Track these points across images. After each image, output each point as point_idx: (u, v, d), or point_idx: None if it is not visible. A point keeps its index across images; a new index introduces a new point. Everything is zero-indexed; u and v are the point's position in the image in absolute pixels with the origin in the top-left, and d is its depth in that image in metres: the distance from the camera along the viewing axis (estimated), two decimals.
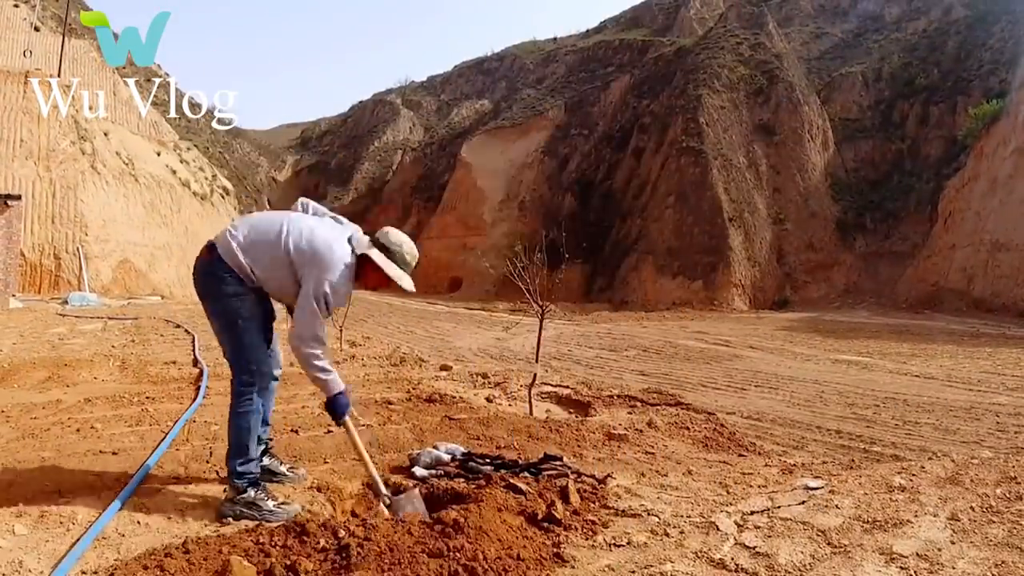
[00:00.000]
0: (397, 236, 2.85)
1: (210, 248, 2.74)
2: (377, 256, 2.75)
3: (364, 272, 2.80)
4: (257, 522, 2.54)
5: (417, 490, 2.80)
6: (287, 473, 3.05)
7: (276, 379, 3.08)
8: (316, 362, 2.64)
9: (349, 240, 2.78)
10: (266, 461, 2.99)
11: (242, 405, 2.73)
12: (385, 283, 2.84)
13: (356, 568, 2.07)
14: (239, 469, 2.69)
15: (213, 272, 2.70)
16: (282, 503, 2.71)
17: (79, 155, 21.79)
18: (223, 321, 2.75)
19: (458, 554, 2.15)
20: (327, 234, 2.73)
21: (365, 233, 2.90)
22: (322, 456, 3.53)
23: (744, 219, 29.92)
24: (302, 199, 3.06)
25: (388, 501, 2.66)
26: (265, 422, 3.00)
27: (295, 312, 2.69)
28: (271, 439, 3.09)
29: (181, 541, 2.30)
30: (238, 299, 2.69)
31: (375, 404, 4.96)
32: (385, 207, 51.36)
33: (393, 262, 2.78)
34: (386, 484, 2.83)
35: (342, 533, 2.27)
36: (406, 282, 2.82)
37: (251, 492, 2.66)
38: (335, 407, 2.70)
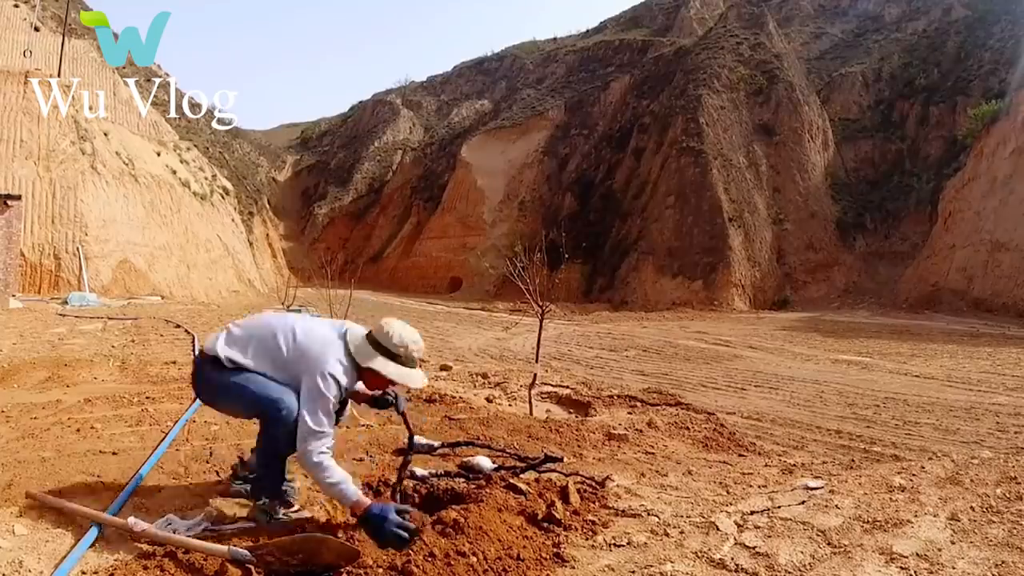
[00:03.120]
0: (400, 335, 2.57)
1: (201, 353, 2.69)
2: (383, 366, 2.53)
3: (367, 376, 2.61)
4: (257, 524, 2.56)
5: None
6: (282, 517, 2.92)
7: None
8: (314, 461, 2.40)
9: (344, 335, 2.60)
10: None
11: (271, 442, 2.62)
12: (388, 383, 2.65)
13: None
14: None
15: (209, 372, 2.62)
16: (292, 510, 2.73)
17: (79, 155, 21.79)
18: (227, 394, 2.61)
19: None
20: (319, 326, 2.64)
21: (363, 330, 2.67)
22: None
23: (744, 219, 29.92)
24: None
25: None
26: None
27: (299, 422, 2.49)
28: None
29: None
30: (230, 372, 2.57)
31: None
32: (385, 207, 51.36)
33: (400, 364, 2.56)
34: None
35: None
36: (418, 379, 2.62)
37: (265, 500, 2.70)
38: (364, 523, 2.34)
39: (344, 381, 2.50)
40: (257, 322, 2.76)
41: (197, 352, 2.67)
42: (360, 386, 2.72)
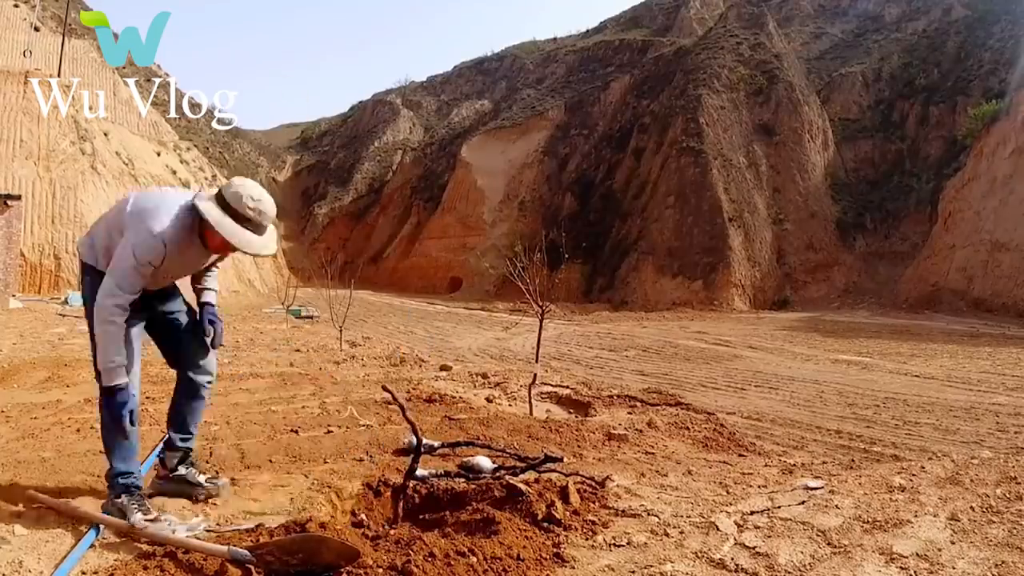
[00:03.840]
0: (238, 187, 2.40)
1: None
2: (208, 210, 2.31)
3: (206, 233, 2.41)
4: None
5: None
6: (204, 484, 2.76)
7: (205, 386, 2.80)
8: (106, 344, 2.31)
9: (195, 198, 2.40)
10: (182, 471, 2.75)
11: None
12: (225, 247, 2.44)
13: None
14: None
15: (81, 277, 2.56)
16: (150, 518, 2.40)
17: (79, 155, 21.80)
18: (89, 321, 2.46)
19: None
20: (161, 195, 2.48)
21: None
22: (322, 456, 3.53)
23: (744, 219, 29.92)
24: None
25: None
26: (186, 430, 2.77)
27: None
28: (192, 449, 2.82)
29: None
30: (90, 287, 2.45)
31: (375, 404, 4.96)
32: (385, 207, 51.37)
33: (235, 221, 2.35)
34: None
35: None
36: (252, 243, 2.39)
37: (123, 499, 2.45)
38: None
39: (164, 236, 2.31)
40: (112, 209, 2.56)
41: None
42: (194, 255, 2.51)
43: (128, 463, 2.51)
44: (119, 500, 2.45)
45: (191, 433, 2.82)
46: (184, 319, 2.76)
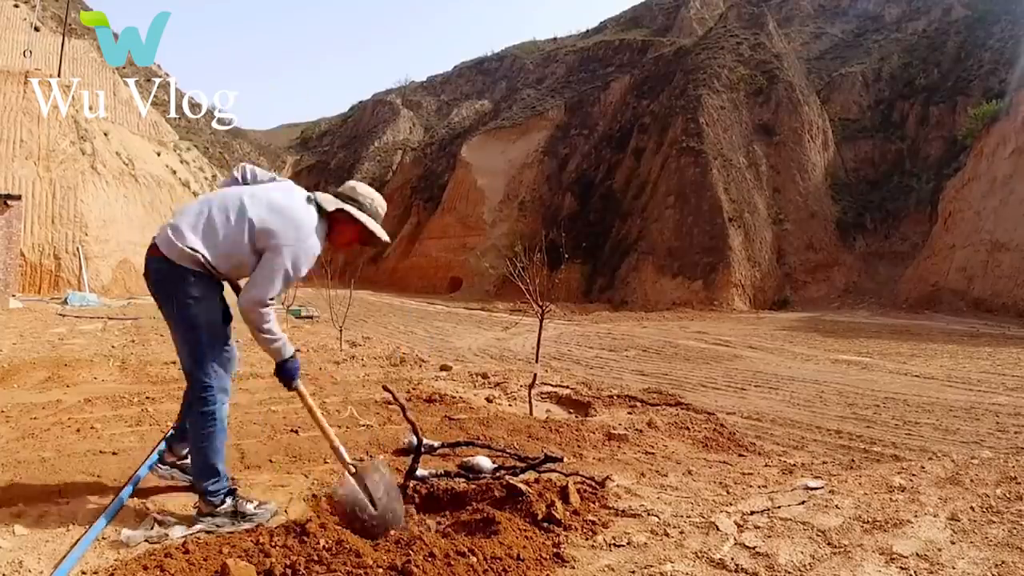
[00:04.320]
0: (365, 188, 2.75)
1: (154, 248, 2.50)
2: (354, 211, 2.65)
3: (335, 230, 2.68)
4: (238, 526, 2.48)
5: (382, 459, 2.68)
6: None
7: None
8: (266, 325, 2.45)
9: (308, 200, 2.61)
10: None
11: (208, 423, 2.53)
12: (358, 239, 2.74)
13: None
14: (211, 489, 2.54)
15: (165, 275, 2.49)
16: (259, 504, 2.63)
17: (79, 155, 21.79)
18: (183, 328, 2.54)
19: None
20: (290, 202, 2.56)
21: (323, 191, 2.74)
22: (322, 456, 3.53)
23: (744, 219, 29.92)
24: (243, 164, 2.85)
25: (353, 469, 2.56)
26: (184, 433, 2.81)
27: (253, 275, 2.46)
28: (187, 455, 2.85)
29: (181, 541, 2.30)
30: (197, 304, 2.48)
31: (375, 404, 4.96)
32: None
33: (367, 215, 2.68)
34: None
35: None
36: (383, 233, 2.75)
37: (229, 501, 2.56)
38: (284, 372, 2.54)
39: (319, 247, 2.57)
40: (204, 203, 2.57)
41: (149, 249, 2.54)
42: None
43: (225, 476, 2.63)
44: (226, 504, 2.55)
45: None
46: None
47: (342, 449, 2.64)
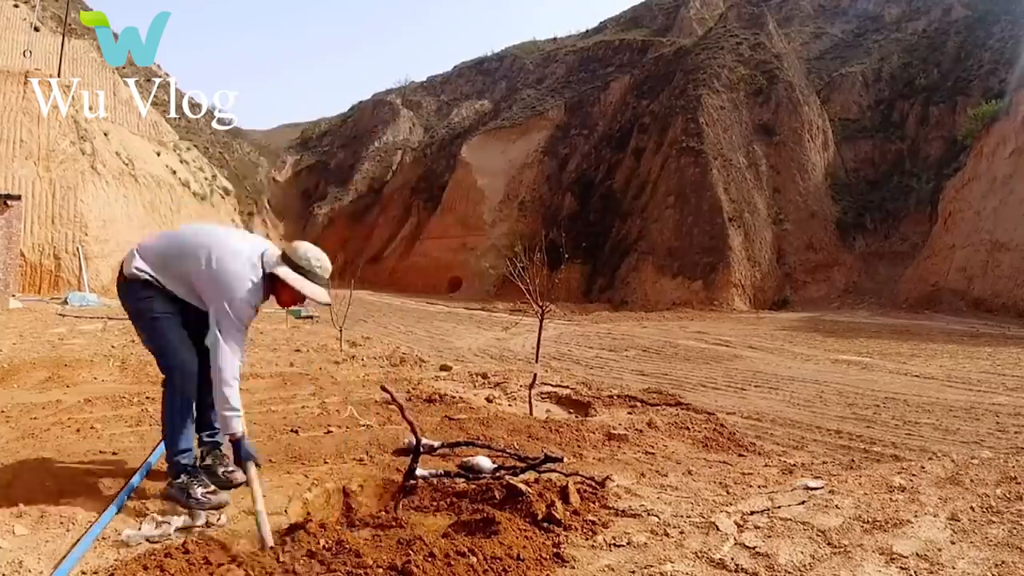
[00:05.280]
0: (304, 250, 2.87)
1: (120, 270, 2.88)
2: (286, 274, 2.78)
3: (276, 289, 2.85)
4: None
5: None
6: (221, 476, 2.98)
7: None
8: (230, 400, 2.68)
9: (262, 256, 2.82)
10: (209, 461, 3.02)
11: (167, 403, 2.83)
12: (298, 299, 2.89)
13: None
14: (172, 459, 2.81)
15: (127, 294, 2.87)
16: (209, 492, 2.77)
17: (79, 155, 21.79)
18: (141, 324, 2.87)
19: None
20: (233, 258, 2.78)
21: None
22: (322, 456, 3.53)
23: (744, 219, 29.92)
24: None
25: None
26: (211, 425, 3.06)
27: (210, 340, 2.72)
28: (220, 443, 3.08)
29: (181, 541, 2.30)
30: (148, 300, 2.80)
31: (375, 404, 4.96)
32: (385, 207, 51.34)
33: (304, 278, 2.80)
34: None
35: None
36: (321, 295, 2.83)
37: (183, 479, 2.75)
38: (238, 448, 2.72)
39: (254, 301, 2.76)
40: (171, 241, 2.95)
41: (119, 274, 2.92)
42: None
43: (189, 441, 2.89)
44: (179, 480, 2.75)
45: (217, 428, 3.03)
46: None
47: (267, 531, 2.42)
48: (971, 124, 29.39)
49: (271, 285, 2.82)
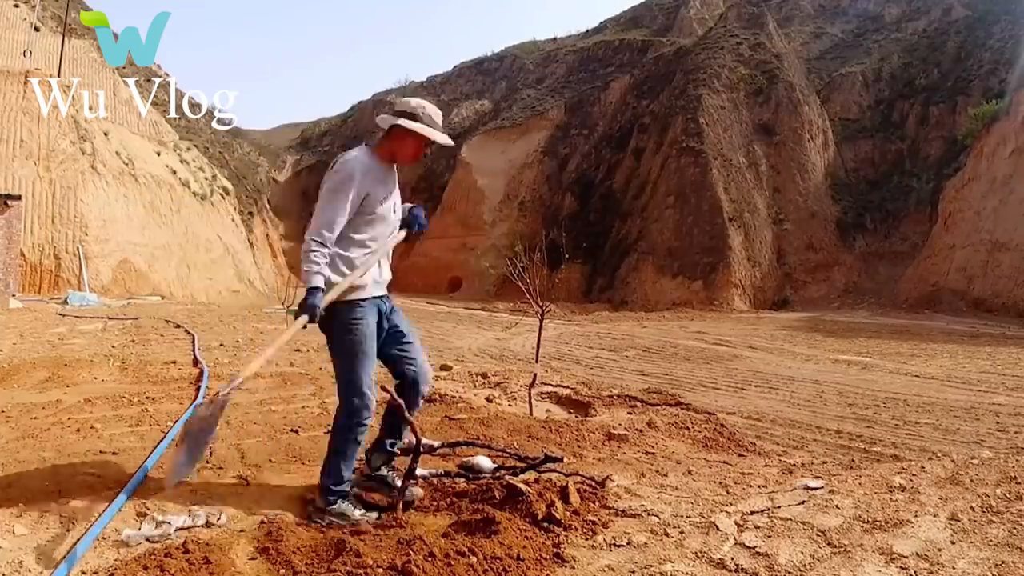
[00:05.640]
0: (416, 100, 2.85)
1: None
2: (407, 122, 2.74)
3: (397, 147, 2.80)
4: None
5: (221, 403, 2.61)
6: (390, 482, 3.02)
7: (423, 393, 3.09)
8: (311, 255, 2.64)
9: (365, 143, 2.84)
10: (384, 472, 3.02)
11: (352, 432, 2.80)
12: (421, 151, 2.83)
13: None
14: (335, 487, 2.75)
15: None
16: (363, 513, 2.75)
17: (79, 155, 21.79)
18: (334, 347, 2.86)
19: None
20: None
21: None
22: (322, 456, 3.52)
23: (744, 219, 29.93)
24: None
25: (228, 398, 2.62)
26: (397, 434, 3.06)
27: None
28: (396, 454, 3.09)
29: (181, 541, 2.30)
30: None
31: (375, 404, 4.95)
32: None
33: (422, 124, 2.77)
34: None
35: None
36: (444, 138, 2.82)
37: (340, 504, 2.72)
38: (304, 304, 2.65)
39: (360, 169, 2.67)
40: None
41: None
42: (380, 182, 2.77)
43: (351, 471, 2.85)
44: (335, 507, 2.70)
45: (399, 438, 3.04)
46: (406, 328, 3.00)
47: (236, 381, 2.62)
48: (971, 124, 29.39)
49: (390, 146, 2.78)
